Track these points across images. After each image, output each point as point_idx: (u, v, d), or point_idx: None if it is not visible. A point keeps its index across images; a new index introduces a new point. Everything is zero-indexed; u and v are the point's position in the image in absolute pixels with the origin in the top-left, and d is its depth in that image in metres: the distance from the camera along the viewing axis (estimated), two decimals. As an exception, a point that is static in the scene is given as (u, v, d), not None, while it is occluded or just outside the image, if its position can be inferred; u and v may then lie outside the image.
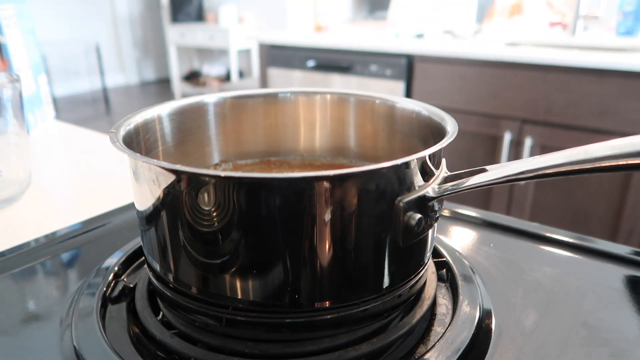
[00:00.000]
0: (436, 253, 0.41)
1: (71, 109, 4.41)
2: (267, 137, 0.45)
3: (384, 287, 0.31)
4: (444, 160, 0.33)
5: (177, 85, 4.63)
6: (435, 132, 0.35)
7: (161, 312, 0.35)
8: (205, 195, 0.27)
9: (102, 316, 0.34)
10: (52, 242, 0.46)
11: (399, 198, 0.28)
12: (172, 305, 0.33)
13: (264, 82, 2.38)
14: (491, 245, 0.45)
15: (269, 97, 0.44)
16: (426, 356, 0.31)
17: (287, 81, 2.29)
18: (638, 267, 0.41)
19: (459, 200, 0.51)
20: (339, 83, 2.11)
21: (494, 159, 1.72)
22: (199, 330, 0.32)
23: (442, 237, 0.44)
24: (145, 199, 0.30)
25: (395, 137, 0.41)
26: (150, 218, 0.30)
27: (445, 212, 0.51)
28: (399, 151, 0.41)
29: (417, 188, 0.29)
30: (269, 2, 3.86)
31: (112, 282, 0.38)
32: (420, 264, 0.33)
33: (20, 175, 0.59)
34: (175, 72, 4.60)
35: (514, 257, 0.43)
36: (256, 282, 0.29)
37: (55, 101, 1.06)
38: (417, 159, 0.28)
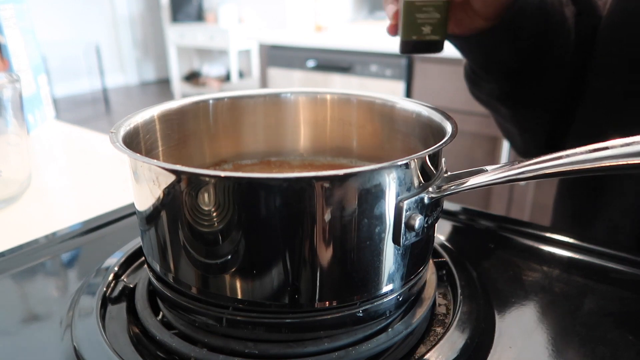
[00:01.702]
0: (436, 253, 0.41)
1: (71, 109, 4.41)
2: (267, 137, 0.45)
3: (384, 287, 0.31)
4: (443, 161, 0.33)
5: (177, 85, 4.63)
6: (435, 132, 0.35)
7: (161, 312, 0.35)
8: (205, 195, 0.27)
9: (102, 316, 0.34)
10: (52, 242, 0.46)
11: (398, 198, 0.28)
12: (172, 305, 0.33)
13: (264, 82, 2.39)
14: (491, 245, 0.45)
15: (269, 97, 0.44)
16: (426, 356, 0.31)
17: (287, 81, 2.29)
18: (638, 267, 0.41)
19: (459, 200, 0.51)
20: (339, 83, 2.11)
21: (494, 159, 1.72)
22: (199, 330, 0.32)
23: (442, 238, 0.44)
24: (145, 199, 0.30)
25: (395, 137, 0.41)
26: (150, 218, 0.30)
27: (445, 212, 0.51)
28: (399, 151, 0.41)
29: (417, 188, 0.29)
30: (269, 2, 3.86)
31: (112, 282, 0.38)
32: (420, 264, 0.33)
33: (20, 175, 0.59)
34: (175, 72, 4.60)
35: (514, 257, 0.43)
36: (256, 282, 0.29)
37: (55, 101, 1.06)
38: (417, 159, 0.28)
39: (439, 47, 0.44)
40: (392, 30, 0.45)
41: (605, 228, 0.55)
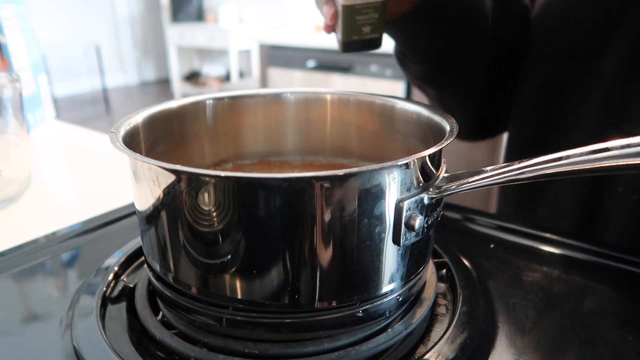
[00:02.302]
0: (436, 253, 0.41)
1: (71, 109, 4.41)
2: (267, 137, 0.45)
3: (384, 287, 0.31)
4: (444, 161, 0.33)
5: (177, 85, 4.63)
6: (435, 132, 0.35)
7: (161, 312, 0.35)
8: (205, 195, 0.27)
9: (102, 316, 0.34)
10: (52, 242, 0.46)
11: (398, 198, 0.28)
12: (172, 305, 0.33)
13: (264, 82, 2.39)
14: (491, 245, 0.45)
15: (269, 97, 0.44)
16: (426, 356, 0.31)
17: (287, 81, 2.29)
18: (637, 267, 0.41)
19: (459, 200, 0.51)
20: (339, 83, 2.11)
21: (494, 159, 1.72)
22: (199, 330, 0.32)
23: (441, 238, 0.44)
24: (145, 199, 0.30)
25: (396, 138, 0.41)
26: (150, 218, 0.31)
27: (445, 213, 0.51)
28: (399, 151, 0.41)
29: (417, 188, 0.29)
30: (269, 2, 3.86)
31: (112, 282, 0.38)
32: (420, 264, 0.33)
33: (20, 175, 0.59)
34: (175, 72, 4.60)
35: (514, 257, 0.43)
36: (256, 282, 0.29)
37: (55, 101, 1.06)
38: (417, 159, 0.28)
39: (378, 44, 0.46)
40: (329, 30, 0.46)
41: (547, 213, 0.57)
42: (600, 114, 0.50)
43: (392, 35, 0.55)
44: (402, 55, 0.60)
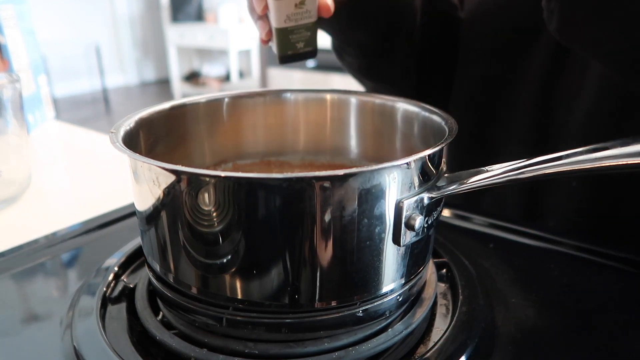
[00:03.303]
0: (436, 253, 0.41)
1: (71, 109, 4.40)
2: (267, 137, 0.45)
3: (384, 287, 0.31)
4: (444, 161, 0.33)
5: (177, 85, 4.63)
6: (436, 132, 0.35)
7: (161, 313, 0.35)
8: (205, 195, 0.27)
9: (102, 316, 0.34)
10: (52, 242, 0.46)
11: (398, 198, 0.28)
12: (172, 305, 0.33)
13: (264, 82, 2.39)
14: (491, 245, 0.45)
15: (269, 97, 0.44)
16: (426, 356, 0.31)
17: (287, 81, 2.29)
18: (638, 267, 0.41)
19: (459, 200, 0.51)
20: (339, 83, 2.11)
21: (494, 159, 1.71)
22: (199, 331, 0.32)
23: (441, 238, 0.44)
24: (145, 199, 0.30)
25: (395, 137, 0.41)
26: (150, 218, 0.31)
27: (445, 213, 0.51)
28: (399, 151, 0.41)
29: (417, 188, 0.29)
30: (269, 2, 3.85)
31: (112, 282, 0.38)
32: (420, 264, 0.33)
33: (20, 175, 0.59)
34: (175, 72, 4.60)
35: (513, 257, 0.43)
36: (256, 282, 0.29)
37: (55, 101, 1.06)
38: (417, 159, 0.28)
39: (313, 54, 0.48)
40: (265, 43, 0.48)
41: (492, 200, 0.59)
42: (534, 109, 0.52)
43: (323, 28, 0.55)
44: (339, 48, 0.61)
